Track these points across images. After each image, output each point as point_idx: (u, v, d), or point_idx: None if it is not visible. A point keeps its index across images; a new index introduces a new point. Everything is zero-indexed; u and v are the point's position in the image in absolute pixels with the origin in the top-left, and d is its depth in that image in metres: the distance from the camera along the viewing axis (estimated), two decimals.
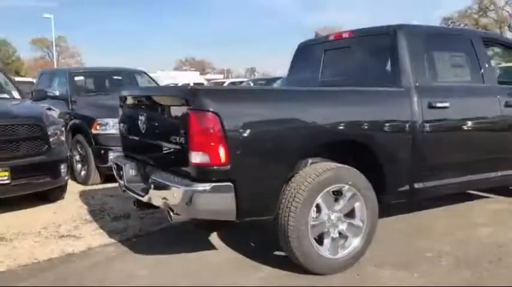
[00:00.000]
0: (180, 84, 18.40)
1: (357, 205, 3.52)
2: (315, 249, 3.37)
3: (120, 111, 4.37)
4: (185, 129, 3.09)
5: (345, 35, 4.50)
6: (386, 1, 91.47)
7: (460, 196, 5.08)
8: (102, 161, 6.81)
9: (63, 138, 5.94)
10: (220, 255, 4.01)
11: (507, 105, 4.33)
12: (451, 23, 55.76)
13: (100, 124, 6.84)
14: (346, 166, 3.49)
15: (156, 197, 3.40)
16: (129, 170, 3.98)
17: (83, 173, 7.13)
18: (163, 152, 3.52)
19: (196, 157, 3.04)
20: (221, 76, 56.12)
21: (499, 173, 4.42)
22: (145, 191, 3.56)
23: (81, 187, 6.86)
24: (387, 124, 3.67)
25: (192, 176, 3.11)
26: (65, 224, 5.02)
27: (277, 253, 4.03)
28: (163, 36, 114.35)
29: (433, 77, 3.99)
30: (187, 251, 4.07)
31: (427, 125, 3.82)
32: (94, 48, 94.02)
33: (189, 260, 3.91)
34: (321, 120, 3.37)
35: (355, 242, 3.55)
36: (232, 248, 4.13)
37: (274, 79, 16.42)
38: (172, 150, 3.37)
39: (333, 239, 3.49)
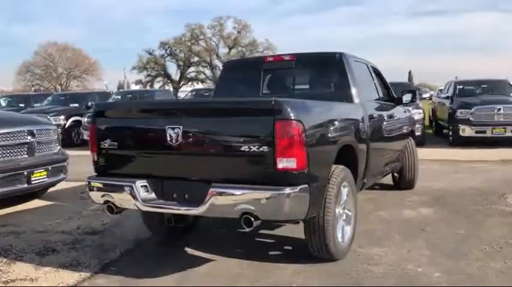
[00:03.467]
0: None
1: (349, 198, 4.28)
2: (339, 238, 3.98)
3: (100, 127, 3.95)
4: (269, 138, 3.28)
5: (286, 58, 5.18)
6: (105, 22, 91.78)
7: None
8: None
9: None
10: (228, 264, 4.12)
11: (389, 117, 5.78)
12: (168, 47, 59.97)
13: None
14: (345, 167, 4.21)
15: (223, 206, 3.41)
16: (140, 188, 3.71)
17: None
18: (222, 162, 3.53)
19: (283, 163, 3.29)
20: None
21: (389, 166, 5.88)
22: (196, 203, 3.49)
23: None
24: (359, 131, 4.55)
25: (274, 181, 3.32)
26: None
27: (272, 252, 4.44)
28: None
29: (365, 95, 5.06)
30: (186, 268, 4.03)
31: (371, 132, 4.87)
32: None
33: (208, 274, 3.92)
34: (345, 129, 4.05)
35: (349, 229, 4.28)
36: (227, 257, 4.27)
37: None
38: (239, 159, 3.44)
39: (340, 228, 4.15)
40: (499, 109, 11.48)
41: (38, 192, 6.90)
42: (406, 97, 6.24)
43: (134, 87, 55.14)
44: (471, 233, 4.80)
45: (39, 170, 6.16)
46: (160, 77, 58.78)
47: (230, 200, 3.40)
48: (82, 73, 53.14)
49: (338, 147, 3.97)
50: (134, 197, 3.70)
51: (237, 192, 3.38)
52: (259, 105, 3.51)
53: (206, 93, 14.21)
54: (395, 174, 6.90)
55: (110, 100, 15.06)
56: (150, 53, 58.78)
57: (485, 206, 5.90)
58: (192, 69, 59.16)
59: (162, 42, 59.33)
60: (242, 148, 3.38)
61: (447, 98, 13.27)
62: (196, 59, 58.42)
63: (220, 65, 56.88)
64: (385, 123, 5.49)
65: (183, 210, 3.63)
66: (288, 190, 3.30)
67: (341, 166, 4.10)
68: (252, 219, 3.33)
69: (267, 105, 3.39)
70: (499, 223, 5.15)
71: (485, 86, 13.45)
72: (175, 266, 4.07)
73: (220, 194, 3.40)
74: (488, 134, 11.47)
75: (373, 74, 5.73)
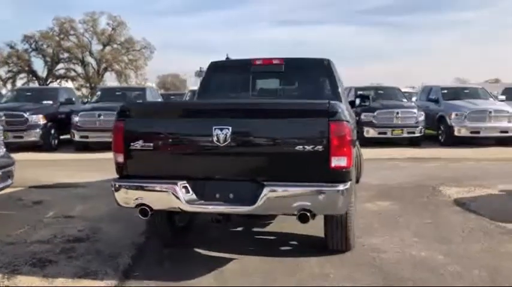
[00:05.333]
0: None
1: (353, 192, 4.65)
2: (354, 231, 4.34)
3: (131, 127, 3.78)
4: (324, 138, 3.49)
5: (276, 62, 5.37)
6: None
7: None
8: None
9: None
10: (252, 261, 4.22)
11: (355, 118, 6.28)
12: (34, 41, 55.29)
13: None
14: None
15: (279, 203, 3.54)
16: (182, 189, 3.65)
17: None
18: (273, 161, 3.63)
19: (336, 161, 3.53)
20: None
21: None
22: (247, 202, 3.56)
23: None
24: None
25: (327, 179, 3.55)
26: None
27: (283, 248, 4.64)
28: None
29: (344, 95, 5.49)
30: (215, 268, 4.06)
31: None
32: None
33: (242, 272, 4.01)
34: (355, 129, 4.42)
35: None
36: (245, 255, 4.37)
37: None
38: (292, 158, 3.58)
39: None
40: (397, 113, 12.92)
41: None
42: (358, 101, 6.83)
43: None
44: (437, 222, 5.49)
45: None
46: (23, 73, 53.82)
47: (287, 197, 3.55)
48: None
49: (355, 146, 4.32)
50: (178, 198, 3.63)
51: (295, 189, 3.54)
52: (313, 107, 3.69)
53: (118, 93, 13.50)
54: None
55: (4, 98, 13.59)
56: (11, 47, 53.49)
57: (428, 197, 6.73)
58: (61, 65, 55.16)
59: (26, 36, 54.36)
60: (296, 148, 3.54)
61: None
62: (66, 55, 54.57)
63: (93, 63, 54.17)
64: (354, 124, 5.99)
65: (237, 209, 3.67)
66: (341, 187, 3.55)
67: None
68: (308, 215, 3.51)
69: (322, 107, 3.60)
70: (451, 212, 5.94)
71: (381, 92, 14.96)
72: (201, 267, 4.07)
73: (277, 192, 3.52)
74: (389, 135, 12.84)
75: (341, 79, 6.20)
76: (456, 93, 14.33)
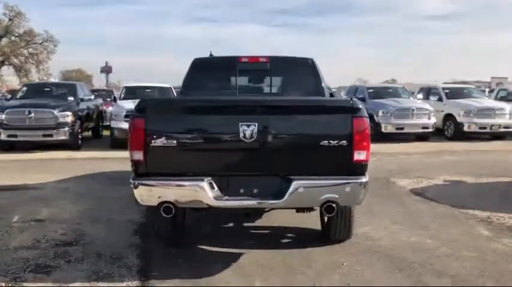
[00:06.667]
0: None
1: None
2: None
3: (153, 124, 3.68)
4: (347, 133, 3.67)
5: (262, 59, 5.44)
6: None
7: None
8: None
9: None
10: (263, 255, 4.32)
11: None
12: None
13: None
14: None
15: (307, 196, 3.68)
16: (208, 185, 3.65)
17: None
18: (299, 156, 3.74)
19: (357, 155, 3.73)
20: None
21: None
22: (275, 196, 3.67)
23: None
24: None
25: (349, 172, 3.75)
26: None
27: (283, 240, 4.78)
28: None
29: (328, 92, 5.72)
30: (231, 264, 4.11)
31: None
32: None
33: (260, 266, 4.08)
34: None
35: None
36: (251, 249, 4.46)
37: None
38: (317, 153, 3.72)
39: None
40: None
41: None
42: None
43: None
44: (407, 210, 5.96)
45: None
46: None
47: (315, 190, 3.70)
48: None
49: None
50: (206, 194, 3.62)
51: (323, 183, 3.69)
52: (338, 104, 3.86)
53: (46, 89, 12.54)
54: None
55: None
56: None
57: (388, 189, 7.24)
58: None
59: None
60: (320, 143, 3.69)
61: None
62: None
63: None
64: None
65: (267, 203, 3.74)
66: (363, 179, 3.78)
67: None
68: (334, 206, 3.68)
69: (346, 103, 3.79)
70: (413, 201, 6.48)
71: None
72: (215, 263, 4.11)
73: (305, 185, 3.65)
74: None
75: None
76: (380, 92, 15.34)
